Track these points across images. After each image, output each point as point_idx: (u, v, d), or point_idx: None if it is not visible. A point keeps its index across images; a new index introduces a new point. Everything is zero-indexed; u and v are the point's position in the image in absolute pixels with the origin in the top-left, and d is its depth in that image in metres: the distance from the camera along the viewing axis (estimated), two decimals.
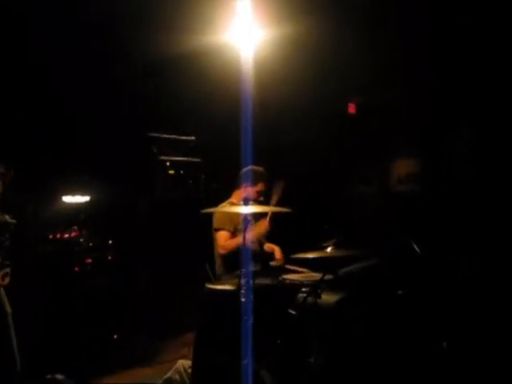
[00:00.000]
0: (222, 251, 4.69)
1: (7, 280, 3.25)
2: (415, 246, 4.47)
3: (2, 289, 3.26)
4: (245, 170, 4.87)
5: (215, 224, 4.80)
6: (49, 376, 4.35)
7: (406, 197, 6.53)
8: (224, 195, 5.10)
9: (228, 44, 5.33)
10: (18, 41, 4.85)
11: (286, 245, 4.86)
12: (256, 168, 4.85)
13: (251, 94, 5.26)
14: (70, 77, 5.37)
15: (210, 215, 4.80)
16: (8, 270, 3.25)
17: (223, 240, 4.69)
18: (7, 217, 3.31)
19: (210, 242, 4.91)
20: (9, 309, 3.30)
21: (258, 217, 4.88)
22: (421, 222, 5.57)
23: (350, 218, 6.31)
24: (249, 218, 3.86)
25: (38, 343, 4.70)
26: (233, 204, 4.88)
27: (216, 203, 4.76)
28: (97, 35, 5.22)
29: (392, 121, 6.47)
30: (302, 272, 4.59)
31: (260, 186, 4.90)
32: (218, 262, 4.86)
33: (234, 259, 4.52)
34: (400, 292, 4.11)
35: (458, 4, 5.03)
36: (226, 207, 4.79)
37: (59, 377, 4.36)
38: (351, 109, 7.15)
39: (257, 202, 4.84)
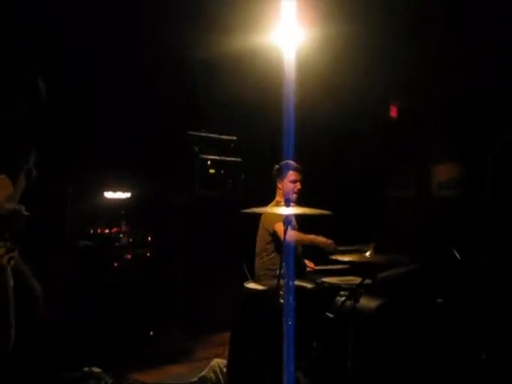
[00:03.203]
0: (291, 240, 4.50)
1: (12, 263, 3.40)
2: (456, 253, 4.41)
3: (8, 270, 3.40)
4: (275, 167, 4.97)
5: (270, 222, 4.79)
6: (86, 369, 4.41)
7: (447, 202, 6.44)
8: (264, 194, 5.10)
9: (271, 45, 5.34)
10: (51, 26, 4.91)
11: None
12: (284, 162, 4.85)
13: (293, 94, 5.26)
14: (115, 74, 5.44)
15: (252, 215, 4.79)
16: (14, 253, 3.40)
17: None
18: (23, 208, 3.44)
19: (251, 241, 4.92)
20: (12, 283, 3.43)
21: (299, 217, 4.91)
22: (462, 228, 5.49)
23: (390, 223, 6.25)
24: (290, 219, 3.84)
25: (76, 337, 4.75)
26: (278, 203, 4.88)
27: (256, 202, 4.75)
28: (142, 33, 5.27)
29: (434, 124, 6.39)
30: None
31: (291, 175, 4.92)
32: (262, 260, 4.86)
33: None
34: (440, 300, 4.05)
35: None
36: (272, 207, 4.78)
37: (96, 370, 4.42)
38: (393, 112, 7.07)
39: (297, 193, 4.85)
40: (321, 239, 4.73)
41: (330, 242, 4.71)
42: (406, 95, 6.67)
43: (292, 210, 3.90)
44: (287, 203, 3.78)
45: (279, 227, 4.65)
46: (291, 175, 4.93)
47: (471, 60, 5.60)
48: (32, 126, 3.70)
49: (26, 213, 3.44)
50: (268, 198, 5.05)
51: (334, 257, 4.31)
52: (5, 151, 3.48)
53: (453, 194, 6.46)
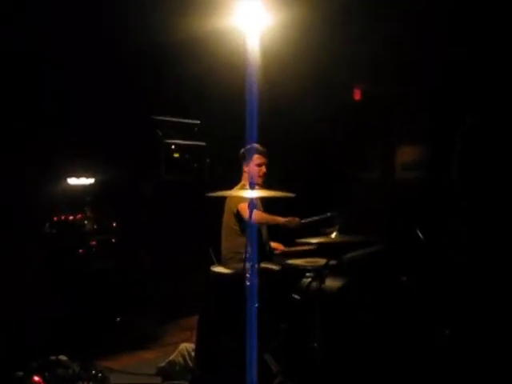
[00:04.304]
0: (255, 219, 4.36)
1: None
2: (419, 233, 4.48)
3: None
4: (241, 150, 4.99)
5: (234, 203, 4.80)
6: (52, 357, 4.37)
7: (411, 184, 6.52)
8: (229, 178, 5.11)
9: (234, 28, 5.30)
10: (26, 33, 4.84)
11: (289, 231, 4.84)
12: (249, 145, 4.87)
13: (256, 78, 5.26)
14: (75, 60, 5.36)
15: (218, 199, 4.79)
16: None
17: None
18: None
19: (217, 226, 4.93)
20: None
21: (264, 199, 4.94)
22: (425, 209, 5.57)
23: (354, 204, 6.30)
24: (254, 201, 3.85)
25: (42, 324, 4.71)
26: (244, 186, 4.89)
27: (222, 186, 4.75)
28: (106, 18, 5.20)
29: (398, 107, 6.44)
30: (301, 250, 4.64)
31: (256, 159, 4.93)
32: (228, 244, 4.87)
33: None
34: (404, 278, 4.12)
35: None
36: (236, 190, 4.79)
37: (63, 358, 4.38)
38: (357, 95, 7.11)
39: (262, 176, 4.88)
40: (283, 218, 4.76)
41: (291, 218, 4.73)
42: (370, 78, 6.70)
43: (256, 193, 3.92)
44: (252, 186, 3.80)
45: (242, 207, 4.66)
46: (256, 159, 4.95)
47: (435, 41, 5.65)
48: None
49: None
50: (235, 182, 5.05)
51: (301, 240, 4.36)
52: None
53: (417, 175, 6.54)
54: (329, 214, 4.80)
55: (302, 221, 4.71)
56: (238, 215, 4.78)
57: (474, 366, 3.93)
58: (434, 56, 5.73)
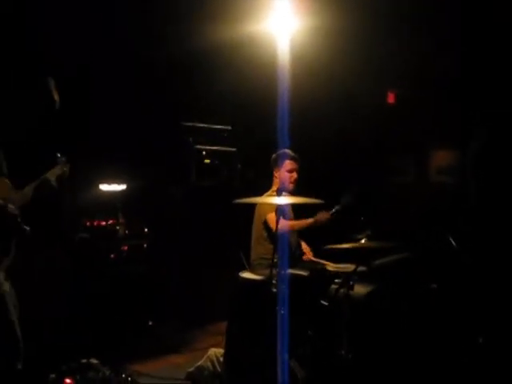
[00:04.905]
0: (283, 229, 4.42)
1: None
2: (451, 240, 4.41)
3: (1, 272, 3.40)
4: (272, 156, 4.99)
5: (264, 211, 4.80)
6: (84, 360, 4.43)
7: (445, 188, 6.42)
8: (260, 184, 5.11)
9: (265, 34, 5.32)
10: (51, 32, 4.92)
11: (319, 236, 4.82)
12: (280, 151, 4.87)
13: (287, 83, 5.26)
14: (108, 68, 5.44)
15: (248, 205, 4.80)
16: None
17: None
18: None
19: (247, 231, 4.94)
20: (7, 288, 3.42)
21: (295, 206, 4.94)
22: (460, 215, 5.48)
23: (386, 210, 6.23)
24: (284, 208, 3.86)
25: (74, 328, 4.78)
26: (274, 192, 4.89)
27: (252, 192, 4.75)
28: (137, 25, 5.26)
29: (433, 110, 6.36)
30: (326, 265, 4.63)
31: (288, 165, 4.92)
32: (256, 250, 4.88)
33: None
34: (434, 286, 4.06)
35: None
36: (265, 197, 4.79)
37: (94, 361, 4.44)
38: (390, 99, 7.04)
39: (293, 182, 4.87)
40: (310, 219, 4.74)
41: (319, 215, 4.71)
42: (404, 81, 6.63)
43: (284, 200, 3.91)
44: (279, 193, 3.79)
45: (271, 217, 4.67)
46: (288, 164, 4.94)
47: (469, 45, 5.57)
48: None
49: (14, 211, 3.41)
50: (265, 187, 5.05)
51: (330, 246, 4.33)
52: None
53: (452, 180, 6.44)
54: (362, 218, 4.76)
55: (331, 212, 4.68)
56: (266, 224, 4.79)
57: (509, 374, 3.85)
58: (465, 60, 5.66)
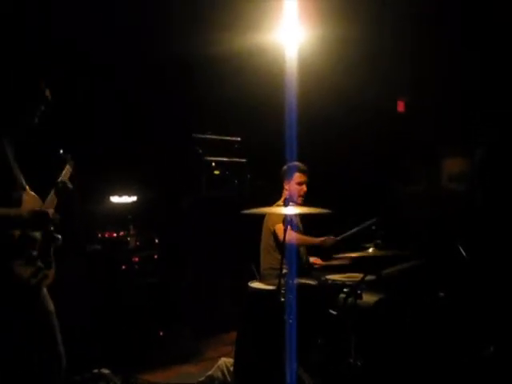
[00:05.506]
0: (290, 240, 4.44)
1: (47, 282, 3.29)
2: (461, 249, 4.40)
3: (44, 289, 3.30)
4: (283, 168, 5.02)
5: (272, 222, 4.85)
6: (95, 370, 4.48)
7: (456, 195, 6.40)
8: (270, 195, 5.13)
9: (274, 44, 5.36)
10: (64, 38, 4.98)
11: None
12: (291, 163, 4.89)
13: (296, 93, 5.29)
14: (118, 77, 5.49)
15: (259, 215, 4.83)
16: (48, 272, 3.28)
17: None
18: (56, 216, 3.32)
19: (257, 241, 4.97)
20: (52, 308, 3.33)
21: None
22: (470, 224, 5.46)
23: (395, 218, 6.22)
24: (292, 219, 3.89)
25: (85, 339, 4.82)
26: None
27: (262, 203, 4.78)
28: (145, 33, 5.31)
29: (444, 118, 6.35)
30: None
31: (297, 177, 4.95)
32: (266, 259, 4.90)
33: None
34: (442, 294, 4.05)
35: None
36: (273, 207, 4.82)
37: (105, 371, 4.49)
38: (400, 107, 7.04)
39: (302, 195, 4.89)
40: (318, 239, 4.77)
41: (326, 238, 4.74)
42: (414, 89, 6.64)
43: (292, 210, 3.94)
44: (286, 203, 3.82)
45: (279, 228, 4.70)
46: (297, 177, 4.97)
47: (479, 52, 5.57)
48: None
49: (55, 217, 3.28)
50: (275, 198, 5.08)
51: (339, 254, 4.35)
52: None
53: (463, 187, 6.41)
54: (373, 227, 4.76)
55: (338, 238, 4.71)
56: (274, 234, 4.82)
57: None
58: (478, 67, 5.66)
